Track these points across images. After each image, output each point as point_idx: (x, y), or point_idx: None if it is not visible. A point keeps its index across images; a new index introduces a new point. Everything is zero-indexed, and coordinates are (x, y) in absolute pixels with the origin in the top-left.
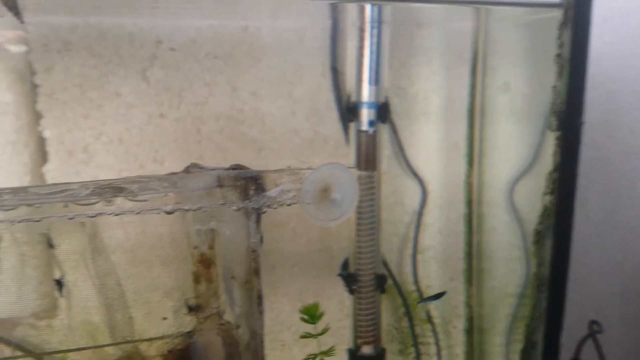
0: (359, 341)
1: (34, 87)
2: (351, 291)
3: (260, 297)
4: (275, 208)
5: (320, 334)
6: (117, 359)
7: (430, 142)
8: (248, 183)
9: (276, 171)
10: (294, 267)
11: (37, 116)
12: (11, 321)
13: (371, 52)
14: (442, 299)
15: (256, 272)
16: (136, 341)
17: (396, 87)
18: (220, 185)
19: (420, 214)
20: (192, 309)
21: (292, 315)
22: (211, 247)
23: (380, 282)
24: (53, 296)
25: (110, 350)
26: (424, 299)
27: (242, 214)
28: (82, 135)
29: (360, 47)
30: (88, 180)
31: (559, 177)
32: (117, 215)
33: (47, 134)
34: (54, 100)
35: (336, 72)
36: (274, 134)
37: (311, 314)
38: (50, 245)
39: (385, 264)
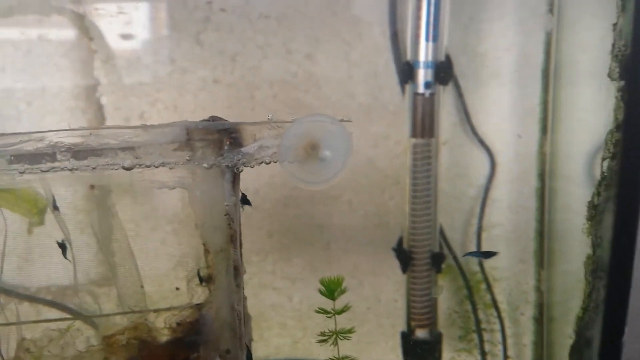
0: (413, 324)
1: (92, 53)
2: (404, 269)
3: (237, 269)
4: (252, 167)
5: (339, 313)
6: (122, 328)
7: (501, 107)
8: (223, 137)
9: (255, 124)
10: (348, 243)
11: (94, 82)
12: (73, 288)
13: (429, 4)
14: (510, 282)
15: (232, 239)
16: (142, 312)
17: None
18: (190, 139)
19: (487, 188)
20: (204, 280)
21: (346, 294)
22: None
23: (437, 261)
24: (110, 264)
25: (116, 319)
26: (470, 253)
27: (218, 172)
28: (138, 102)
29: (419, 0)
30: None
31: (622, 138)
32: (70, 170)
33: (104, 100)
34: (110, 67)
35: (396, 31)
36: (330, 99)
37: (330, 289)
38: (55, 207)
39: (446, 242)
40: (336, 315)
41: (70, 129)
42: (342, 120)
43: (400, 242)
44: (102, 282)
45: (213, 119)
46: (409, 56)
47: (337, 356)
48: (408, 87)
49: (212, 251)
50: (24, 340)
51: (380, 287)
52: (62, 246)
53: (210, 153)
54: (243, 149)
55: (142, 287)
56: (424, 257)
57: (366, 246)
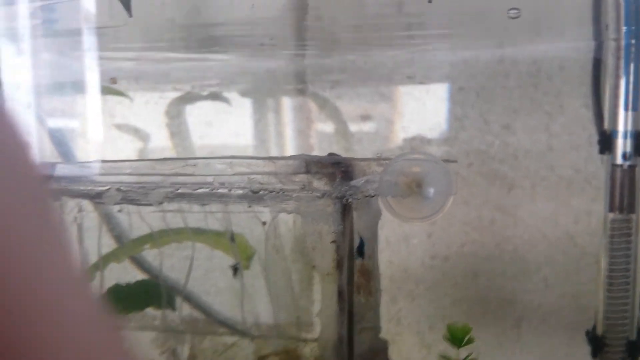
0: None
1: (309, 122)
2: (594, 355)
3: (341, 293)
4: (358, 199)
5: None
6: (273, 351)
7: None
8: (335, 171)
9: (365, 160)
10: (542, 324)
11: (311, 150)
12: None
13: (627, 73)
14: None
15: (339, 265)
16: (290, 338)
17: None
18: (308, 172)
19: None
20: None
21: None
22: (370, 256)
23: (634, 350)
24: (310, 312)
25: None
26: None
27: (329, 202)
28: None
29: (616, 67)
30: None
31: None
32: (210, 190)
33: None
34: (321, 135)
35: (599, 102)
36: (527, 170)
37: (456, 336)
38: (232, 239)
39: None
40: None
41: (213, 157)
42: (446, 161)
43: (594, 325)
44: (302, 327)
45: (330, 154)
46: (606, 125)
47: None
48: (606, 158)
49: (320, 274)
50: (193, 347)
51: None
52: (235, 268)
53: (323, 184)
54: (351, 182)
55: (298, 317)
56: (618, 344)
57: (561, 330)
